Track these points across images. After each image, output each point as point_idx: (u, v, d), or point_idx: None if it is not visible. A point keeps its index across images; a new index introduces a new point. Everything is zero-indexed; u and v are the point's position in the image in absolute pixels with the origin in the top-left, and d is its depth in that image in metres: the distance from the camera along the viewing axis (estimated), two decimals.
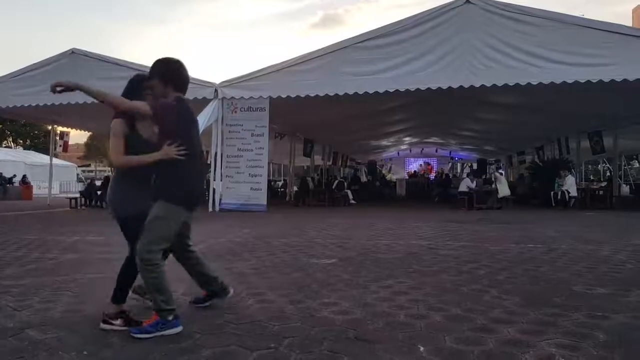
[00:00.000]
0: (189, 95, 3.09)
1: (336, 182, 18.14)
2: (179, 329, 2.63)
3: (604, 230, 8.11)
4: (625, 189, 19.24)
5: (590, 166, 30.67)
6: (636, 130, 14.38)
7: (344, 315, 2.97)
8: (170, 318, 2.63)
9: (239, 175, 12.43)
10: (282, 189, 23.89)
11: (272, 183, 23.31)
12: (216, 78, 13.09)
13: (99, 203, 15.62)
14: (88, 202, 15.60)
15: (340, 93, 11.46)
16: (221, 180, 12.39)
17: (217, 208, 12.03)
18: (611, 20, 11.01)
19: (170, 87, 2.74)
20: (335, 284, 3.85)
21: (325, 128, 18.27)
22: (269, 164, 20.26)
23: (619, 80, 9.98)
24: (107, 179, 17.53)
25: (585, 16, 11.09)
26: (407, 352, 2.35)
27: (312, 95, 11.64)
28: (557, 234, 7.42)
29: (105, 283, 3.97)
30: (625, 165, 26.70)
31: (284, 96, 11.87)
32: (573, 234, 7.43)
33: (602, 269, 4.45)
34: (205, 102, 11.89)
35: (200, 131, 11.92)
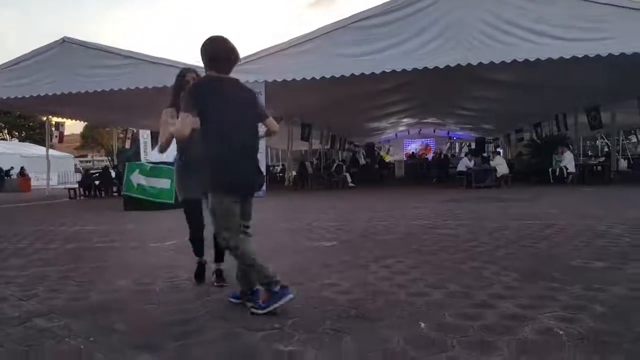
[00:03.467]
0: None
1: (335, 165, 18.16)
2: (290, 296, 2.63)
3: (602, 205, 8.16)
4: (624, 163, 19.28)
5: (588, 142, 30.70)
6: (634, 104, 14.33)
7: (345, 295, 3.01)
8: (276, 289, 2.62)
9: None
10: (280, 174, 23.91)
11: (270, 168, 23.34)
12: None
13: (97, 193, 15.64)
14: (87, 193, 15.61)
15: (337, 75, 11.36)
16: None
17: None
18: None
19: (206, 67, 2.72)
20: (335, 266, 3.89)
21: (323, 111, 18.17)
22: (266, 149, 20.24)
23: (616, 54, 9.90)
24: (105, 168, 17.53)
25: None
26: (409, 328, 2.40)
27: (309, 78, 11.53)
28: (555, 210, 7.47)
29: (107, 271, 4.02)
30: (623, 140, 26.75)
31: (279, 80, 11.76)
32: (571, 210, 7.48)
33: (599, 243, 4.50)
34: None
35: None
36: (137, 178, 9.82)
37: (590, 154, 23.17)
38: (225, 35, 2.78)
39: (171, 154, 3.57)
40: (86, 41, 12.96)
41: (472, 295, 2.93)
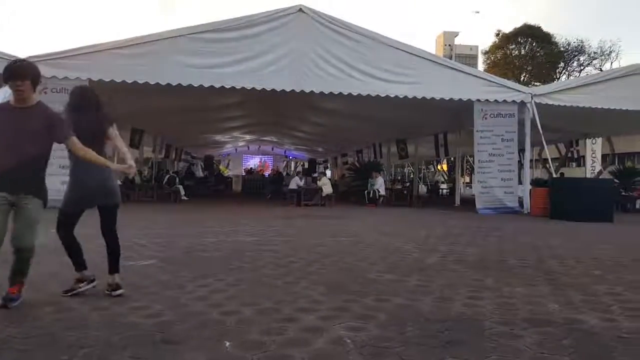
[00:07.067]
0: None
1: (167, 177, 17.26)
2: None
3: (402, 224, 9.58)
4: (423, 188, 23.03)
5: (398, 169, 35.77)
6: (432, 140, 17.31)
7: (153, 319, 2.90)
8: None
9: (48, 167, 10.82)
10: None
11: None
12: (26, 52, 11.14)
13: None
14: None
15: (173, 83, 10.98)
16: None
17: None
18: (418, 45, 13.06)
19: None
20: (149, 287, 3.71)
21: (157, 118, 17.16)
22: None
23: (419, 97, 11.89)
24: None
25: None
26: (213, 348, 2.43)
27: (141, 82, 10.87)
28: (365, 228, 8.47)
29: None
30: (424, 169, 32.06)
31: (107, 80, 10.78)
32: (377, 228, 8.58)
33: (393, 258, 5.26)
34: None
35: None
36: None
37: (399, 179, 26.97)
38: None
39: None
40: None
41: (280, 310, 3.13)
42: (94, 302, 3.20)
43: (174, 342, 2.51)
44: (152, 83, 10.89)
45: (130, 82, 10.83)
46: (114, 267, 3.47)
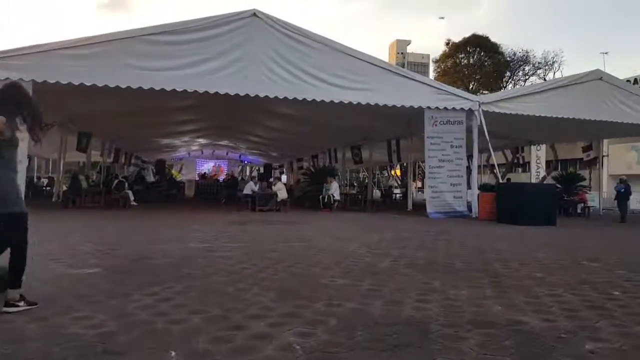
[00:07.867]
0: None
1: (116, 181, 16.60)
2: None
3: (356, 229, 9.70)
4: (377, 193, 23.48)
5: (354, 174, 36.31)
6: (385, 146, 17.70)
7: (95, 329, 2.78)
8: None
9: None
10: (47, 188, 20.60)
11: (35, 180, 19.87)
12: None
13: None
14: None
15: (123, 86, 10.62)
16: None
17: None
18: (372, 51, 13.36)
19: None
20: (92, 296, 3.55)
21: (106, 121, 16.50)
22: (33, 158, 17.12)
23: (372, 104, 12.12)
24: None
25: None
26: (157, 358, 2.37)
27: (89, 84, 10.44)
28: (319, 233, 8.52)
29: None
30: (378, 174, 32.70)
31: (52, 81, 10.27)
32: (331, 233, 8.65)
33: (346, 263, 5.32)
34: None
35: None
36: None
37: (355, 184, 27.36)
38: None
39: None
40: None
41: (229, 318, 3.08)
42: (33, 313, 3.03)
43: (117, 352, 2.42)
44: (100, 85, 10.47)
45: (77, 84, 10.37)
46: (13, 282, 3.14)
